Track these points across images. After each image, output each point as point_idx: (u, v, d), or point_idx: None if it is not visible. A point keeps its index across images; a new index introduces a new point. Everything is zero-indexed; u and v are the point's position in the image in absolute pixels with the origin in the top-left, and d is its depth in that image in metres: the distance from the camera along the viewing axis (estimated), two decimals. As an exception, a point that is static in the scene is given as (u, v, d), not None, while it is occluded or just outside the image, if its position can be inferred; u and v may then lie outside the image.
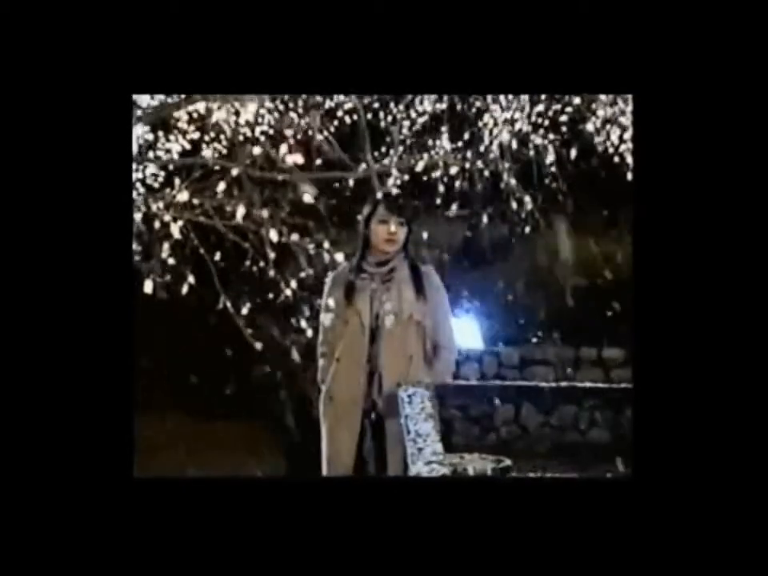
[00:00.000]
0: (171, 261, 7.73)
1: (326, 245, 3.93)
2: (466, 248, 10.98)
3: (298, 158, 6.59)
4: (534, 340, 10.12)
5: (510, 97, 8.24)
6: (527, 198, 7.94)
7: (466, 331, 9.75)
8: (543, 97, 8.08)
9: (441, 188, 8.40)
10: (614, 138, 8.08)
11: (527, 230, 8.54)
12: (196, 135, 8.54)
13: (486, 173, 8.21)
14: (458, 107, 8.37)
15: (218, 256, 6.70)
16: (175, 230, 5.91)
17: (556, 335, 9.83)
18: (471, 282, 10.20)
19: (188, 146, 8.52)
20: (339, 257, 3.67)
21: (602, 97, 7.77)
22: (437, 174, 8.60)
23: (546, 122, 8.59)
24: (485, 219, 10.06)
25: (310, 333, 4.08)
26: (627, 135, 8.04)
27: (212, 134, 8.64)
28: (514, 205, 8.09)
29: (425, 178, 8.67)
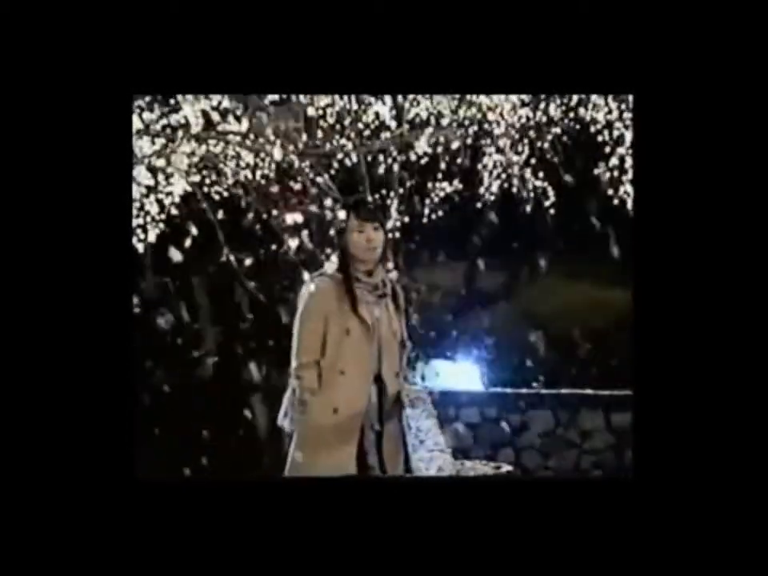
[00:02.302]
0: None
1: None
2: (467, 292, 10.95)
3: (297, 217, 6.58)
4: (535, 384, 10.05)
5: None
6: (528, 174, 7.91)
7: (467, 374, 9.70)
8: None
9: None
10: (615, 179, 8.11)
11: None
12: (197, 178, 8.60)
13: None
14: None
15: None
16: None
17: (557, 379, 9.75)
18: (472, 326, 10.16)
19: (189, 189, 8.55)
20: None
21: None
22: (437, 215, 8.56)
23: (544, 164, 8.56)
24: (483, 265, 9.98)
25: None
26: (626, 177, 8.06)
27: (213, 177, 8.72)
28: (516, 181, 8.05)
29: (425, 220, 8.65)
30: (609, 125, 8.13)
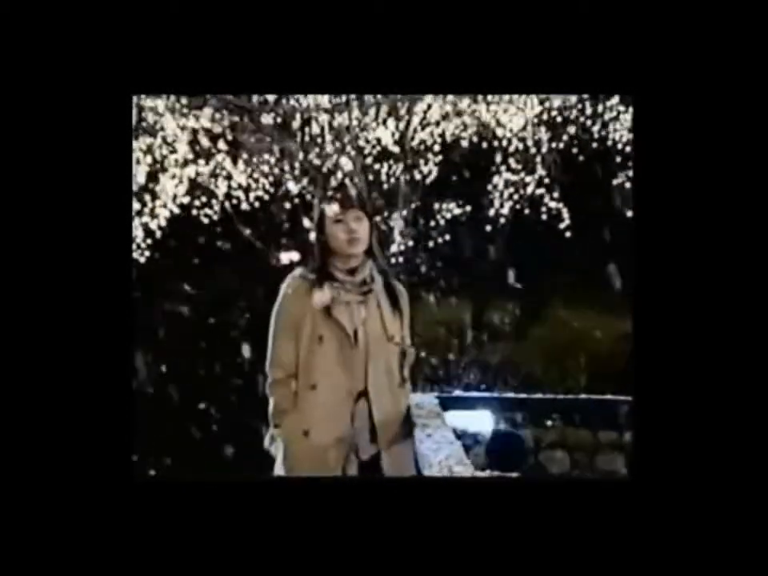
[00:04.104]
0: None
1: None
2: (476, 325, 10.40)
3: (293, 256, 6.26)
4: (549, 422, 9.46)
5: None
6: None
7: (476, 413, 9.11)
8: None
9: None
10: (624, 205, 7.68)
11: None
12: (186, 200, 8.16)
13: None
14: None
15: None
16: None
17: (574, 417, 9.17)
18: (482, 362, 9.63)
19: (177, 211, 8.10)
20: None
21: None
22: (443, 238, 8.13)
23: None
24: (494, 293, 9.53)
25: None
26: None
27: (203, 199, 8.28)
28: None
29: (431, 244, 8.19)
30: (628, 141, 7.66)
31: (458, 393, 8.45)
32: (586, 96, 7.93)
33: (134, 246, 8.02)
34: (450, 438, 2.84)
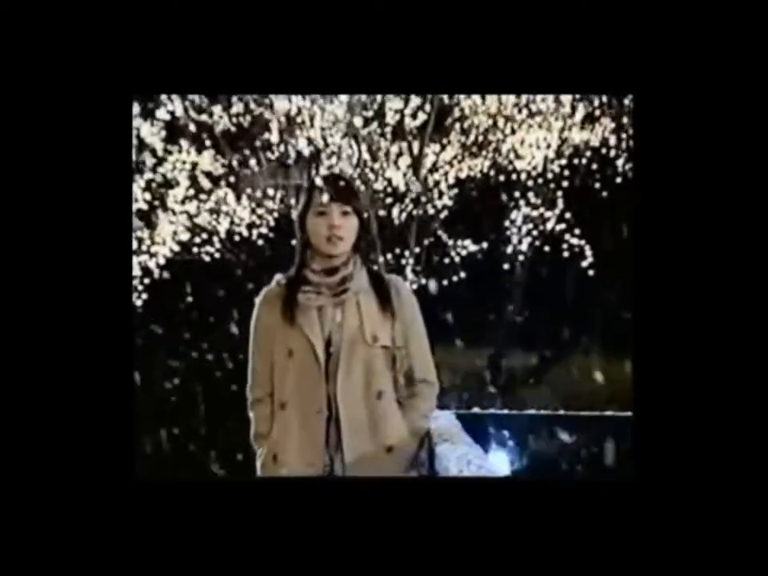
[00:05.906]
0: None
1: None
2: (492, 370, 10.00)
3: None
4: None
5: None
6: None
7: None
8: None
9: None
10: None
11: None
12: (186, 237, 7.81)
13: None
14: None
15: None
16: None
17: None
18: (498, 407, 9.21)
19: (177, 248, 7.76)
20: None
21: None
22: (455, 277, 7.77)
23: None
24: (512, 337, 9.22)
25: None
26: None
27: (204, 236, 7.93)
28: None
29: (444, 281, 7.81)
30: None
31: (476, 410, 8.03)
32: (610, 129, 7.62)
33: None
34: (469, 441, 2.74)
